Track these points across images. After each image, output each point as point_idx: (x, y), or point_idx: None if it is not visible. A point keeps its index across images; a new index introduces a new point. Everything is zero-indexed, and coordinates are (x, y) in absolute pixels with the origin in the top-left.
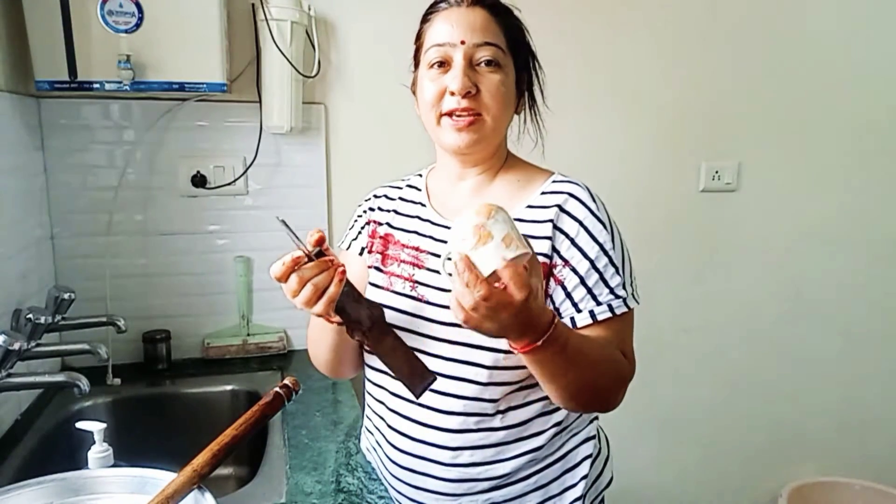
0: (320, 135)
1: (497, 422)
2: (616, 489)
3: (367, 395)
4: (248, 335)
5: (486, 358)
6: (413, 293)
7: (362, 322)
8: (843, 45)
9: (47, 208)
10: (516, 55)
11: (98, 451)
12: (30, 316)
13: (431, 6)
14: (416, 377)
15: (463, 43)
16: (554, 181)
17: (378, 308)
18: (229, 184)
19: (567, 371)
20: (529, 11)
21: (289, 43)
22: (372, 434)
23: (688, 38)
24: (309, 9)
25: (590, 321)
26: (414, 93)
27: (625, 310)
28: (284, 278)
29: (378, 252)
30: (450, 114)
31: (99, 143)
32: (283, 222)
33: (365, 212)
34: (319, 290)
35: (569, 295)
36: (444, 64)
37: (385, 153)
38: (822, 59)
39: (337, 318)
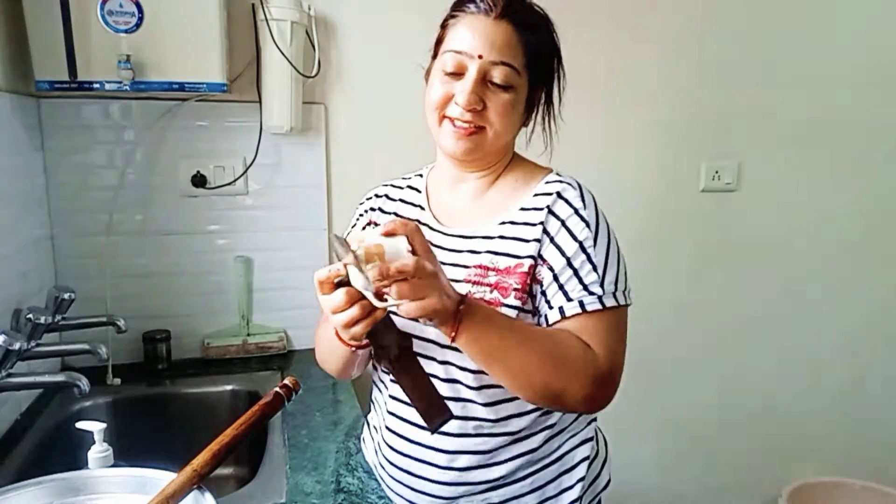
0: (320, 135)
1: (495, 427)
2: (614, 490)
3: (373, 395)
4: (248, 335)
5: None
6: None
7: (390, 350)
8: (845, 45)
9: (47, 208)
10: (534, 72)
11: (98, 451)
12: (30, 316)
13: (462, 2)
14: (434, 409)
15: (480, 57)
16: (547, 181)
17: (408, 338)
18: (229, 184)
19: (504, 348)
20: None
21: (289, 43)
22: (376, 433)
23: (688, 38)
24: (309, 9)
25: (558, 317)
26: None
27: (598, 307)
28: (330, 290)
29: None
30: (452, 120)
31: (99, 143)
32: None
33: (367, 211)
34: (366, 312)
35: (543, 293)
36: (456, 72)
37: (385, 153)
38: (823, 59)
39: (357, 343)
